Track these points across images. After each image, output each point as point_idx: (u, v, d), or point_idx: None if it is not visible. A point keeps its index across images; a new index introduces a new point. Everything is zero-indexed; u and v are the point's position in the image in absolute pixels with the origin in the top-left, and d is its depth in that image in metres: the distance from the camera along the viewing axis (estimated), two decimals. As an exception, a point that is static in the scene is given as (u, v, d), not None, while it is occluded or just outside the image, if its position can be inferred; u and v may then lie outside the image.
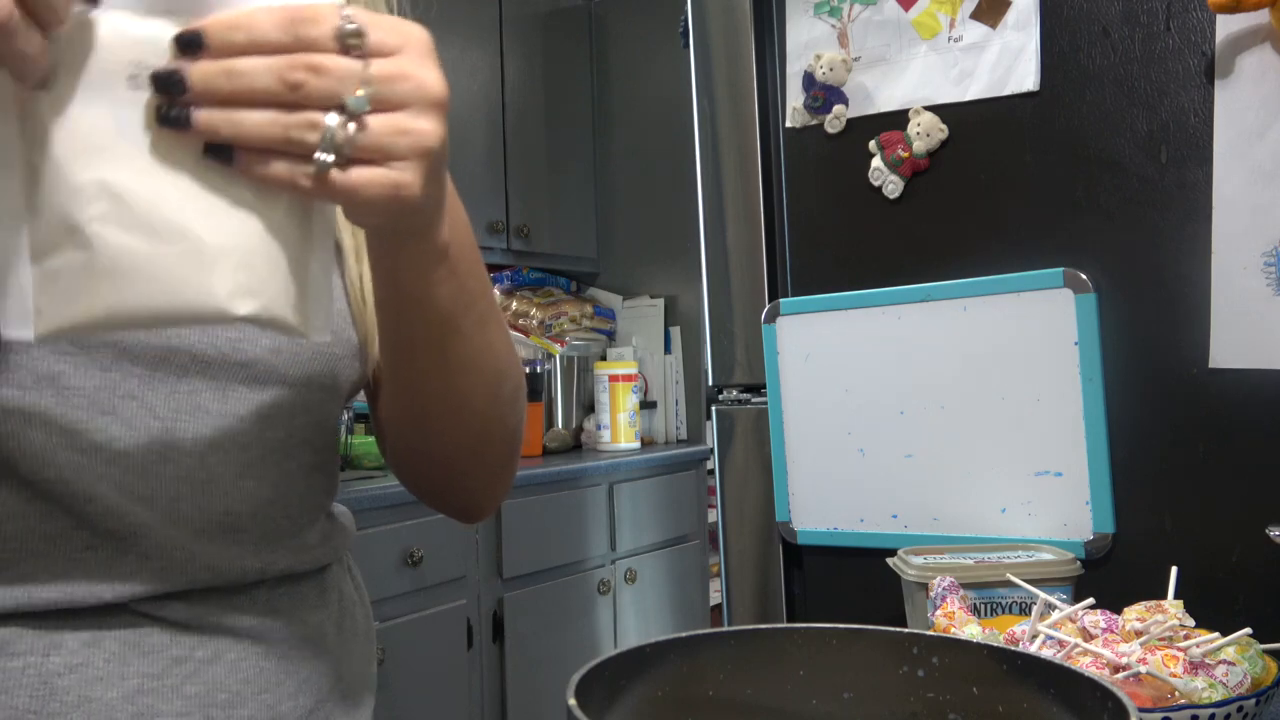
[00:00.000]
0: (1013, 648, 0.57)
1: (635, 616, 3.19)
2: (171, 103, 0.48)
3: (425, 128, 0.51)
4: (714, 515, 1.69)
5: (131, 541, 0.62)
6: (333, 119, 0.49)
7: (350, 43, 0.49)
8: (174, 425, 0.65)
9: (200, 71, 0.48)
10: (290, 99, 0.48)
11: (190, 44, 0.48)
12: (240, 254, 0.50)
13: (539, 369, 3.31)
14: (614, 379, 3.30)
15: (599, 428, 3.33)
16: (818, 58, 1.20)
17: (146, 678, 0.62)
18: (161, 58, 0.48)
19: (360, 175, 0.50)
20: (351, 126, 0.49)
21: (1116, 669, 0.71)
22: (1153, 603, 0.78)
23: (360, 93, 0.49)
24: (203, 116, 0.48)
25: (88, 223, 0.48)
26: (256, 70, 0.48)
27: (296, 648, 0.69)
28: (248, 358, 0.67)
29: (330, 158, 0.49)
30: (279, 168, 0.49)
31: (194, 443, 0.65)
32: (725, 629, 0.57)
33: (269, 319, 0.51)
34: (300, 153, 0.49)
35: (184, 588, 0.64)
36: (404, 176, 0.51)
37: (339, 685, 0.73)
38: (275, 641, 0.68)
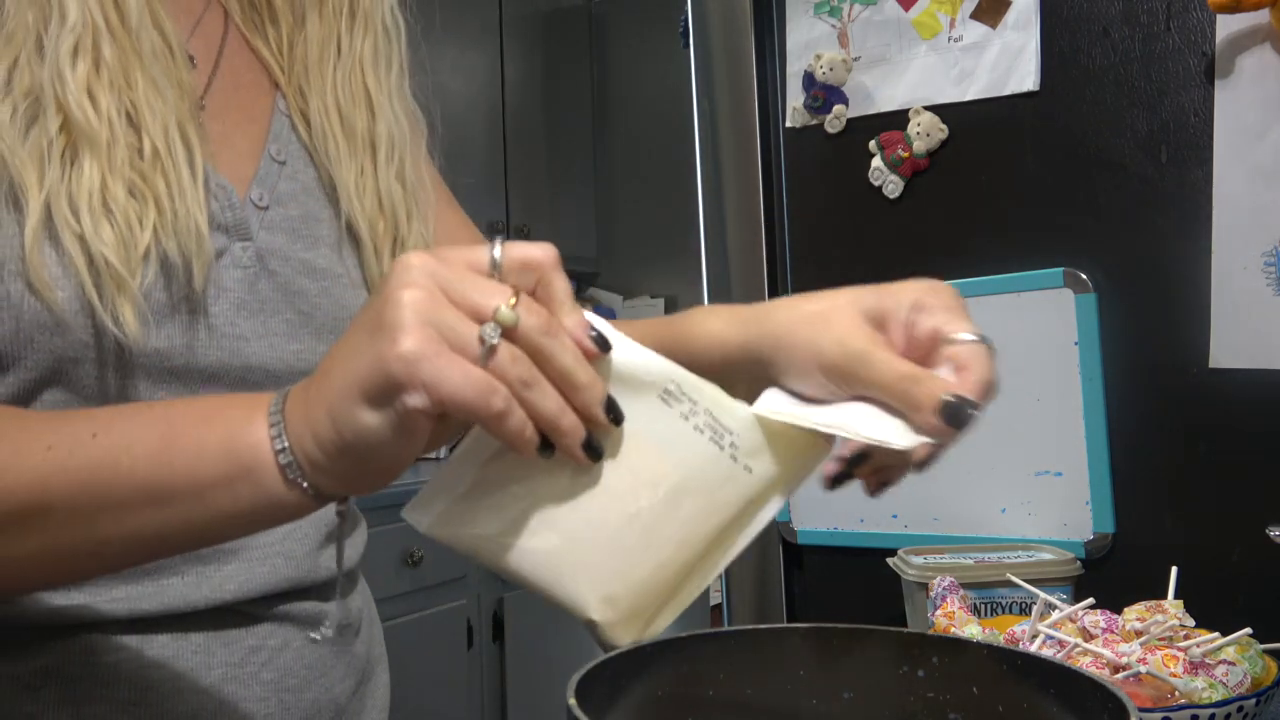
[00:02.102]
0: (1013, 648, 0.57)
1: (635, 616, 3.18)
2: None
3: None
4: (714, 515, 1.69)
5: (228, 558, 0.67)
6: None
7: None
8: None
9: None
10: None
11: None
12: (640, 593, 0.54)
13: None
14: (614, 379, 3.29)
15: (599, 428, 3.32)
16: (818, 58, 1.20)
17: (229, 666, 0.67)
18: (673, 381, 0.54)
19: None
20: None
21: (1116, 669, 0.71)
22: (1153, 603, 0.78)
23: None
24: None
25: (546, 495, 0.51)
26: None
27: (341, 633, 0.75)
28: (309, 366, 0.70)
29: None
30: None
31: None
32: (725, 629, 0.57)
33: (604, 641, 0.54)
34: None
35: (263, 592, 0.68)
36: None
37: (367, 666, 0.78)
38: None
